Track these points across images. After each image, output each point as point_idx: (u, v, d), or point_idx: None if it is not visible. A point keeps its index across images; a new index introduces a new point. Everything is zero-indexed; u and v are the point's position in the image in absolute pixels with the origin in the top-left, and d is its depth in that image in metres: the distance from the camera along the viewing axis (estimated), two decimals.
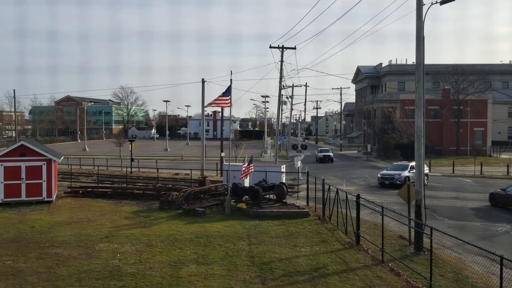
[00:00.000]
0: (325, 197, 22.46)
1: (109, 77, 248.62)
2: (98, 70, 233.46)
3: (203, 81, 41.63)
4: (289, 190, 28.21)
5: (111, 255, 16.14)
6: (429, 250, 13.26)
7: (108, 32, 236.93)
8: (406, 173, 34.59)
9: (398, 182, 33.67)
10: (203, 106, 42.45)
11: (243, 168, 25.12)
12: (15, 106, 75.08)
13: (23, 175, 26.07)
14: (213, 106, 26.56)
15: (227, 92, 25.05)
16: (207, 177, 34.67)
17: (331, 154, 61.26)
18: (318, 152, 63.63)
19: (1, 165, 25.83)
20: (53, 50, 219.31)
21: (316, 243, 17.92)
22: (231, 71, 27.56)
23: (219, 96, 25.04)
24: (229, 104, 25.27)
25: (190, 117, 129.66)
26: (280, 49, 41.54)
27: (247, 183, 28.27)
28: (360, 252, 16.80)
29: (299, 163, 39.09)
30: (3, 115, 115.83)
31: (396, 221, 17.95)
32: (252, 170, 25.98)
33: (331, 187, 22.01)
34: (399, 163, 39.76)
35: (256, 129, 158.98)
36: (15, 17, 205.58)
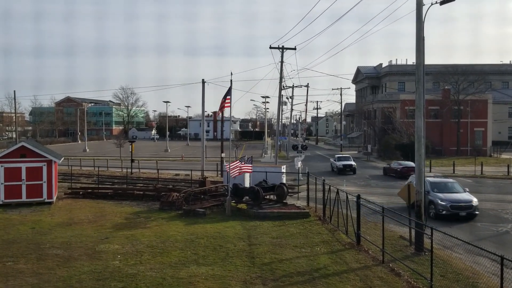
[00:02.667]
0: (326, 198, 22.46)
1: (109, 78, 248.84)
2: (98, 71, 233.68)
3: (203, 82, 41.61)
4: (289, 190, 28.21)
5: (111, 256, 16.14)
6: (430, 251, 13.25)
7: (109, 33, 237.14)
8: (474, 199, 23.92)
9: (476, 212, 23.46)
10: (203, 107, 42.44)
11: (238, 164, 24.85)
12: (15, 107, 75.09)
13: (23, 176, 26.07)
14: (221, 111, 26.74)
15: (228, 93, 25.43)
16: (207, 177, 34.68)
17: (353, 163, 46.07)
18: (335, 160, 47.50)
19: (2, 166, 25.83)
20: (54, 52, 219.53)
21: (316, 244, 17.92)
22: (231, 72, 27.58)
23: (223, 100, 25.44)
24: (229, 104, 25.52)
25: (190, 117, 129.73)
26: (280, 50, 41.60)
27: (247, 183, 28.29)
28: (361, 252, 16.80)
29: (299, 164, 39.08)
30: (4, 116, 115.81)
31: (396, 221, 17.95)
32: (250, 170, 25.91)
33: (331, 187, 22.01)
34: (441, 179, 27.53)
35: (257, 129, 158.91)
36: (15, 18, 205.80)
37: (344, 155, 51.58)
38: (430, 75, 68.80)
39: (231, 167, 24.25)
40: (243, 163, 25.22)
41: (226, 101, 25.47)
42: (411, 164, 39.66)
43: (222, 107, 25.79)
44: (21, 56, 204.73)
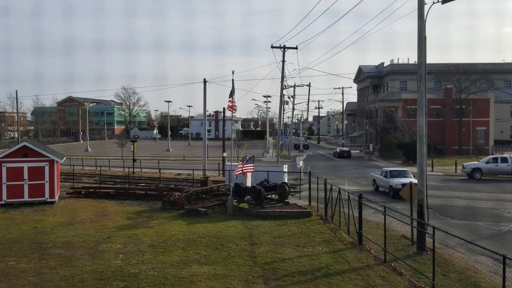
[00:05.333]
0: (328, 197, 22.45)
1: (111, 78, 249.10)
2: (99, 71, 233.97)
3: (204, 81, 41.60)
4: (291, 190, 28.20)
5: (113, 255, 16.16)
6: (432, 250, 13.24)
7: (110, 33, 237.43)
8: None
9: None
10: (204, 106, 42.49)
11: (240, 166, 24.89)
12: (17, 107, 75.33)
13: (25, 176, 26.11)
14: (230, 110, 26.83)
15: (232, 93, 25.50)
16: (209, 177, 34.66)
17: (415, 180, 25.40)
18: (386, 176, 31.09)
19: (4, 166, 25.88)
20: (55, 52, 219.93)
21: (318, 243, 17.91)
22: (233, 71, 27.60)
23: (229, 100, 25.52)
24: (231, 105, 25.56)
25: (192, 117, 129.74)
26: (282, 49, 41.56)
27: (249, 183, 28.28)
28: (363, 252, 16.78)
29: (301, 163, 39.08)
30: (6, 116, 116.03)
31: (398, 220, 17.93)
32: (252, 170, 25.89)
33: (333, 186, 21.99)
34: None
35: (258, 129, 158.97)
36: (17, 18, 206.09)
37: (398, 169, 33.22)
38: (432, 74, 68.66)
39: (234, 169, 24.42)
40: (244, 162, 25.18)
41: (234, 103, 25.55)
42: (346, 149, 69.98)
43: (232, 107, 25.84)
44: (23, 56, 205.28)
